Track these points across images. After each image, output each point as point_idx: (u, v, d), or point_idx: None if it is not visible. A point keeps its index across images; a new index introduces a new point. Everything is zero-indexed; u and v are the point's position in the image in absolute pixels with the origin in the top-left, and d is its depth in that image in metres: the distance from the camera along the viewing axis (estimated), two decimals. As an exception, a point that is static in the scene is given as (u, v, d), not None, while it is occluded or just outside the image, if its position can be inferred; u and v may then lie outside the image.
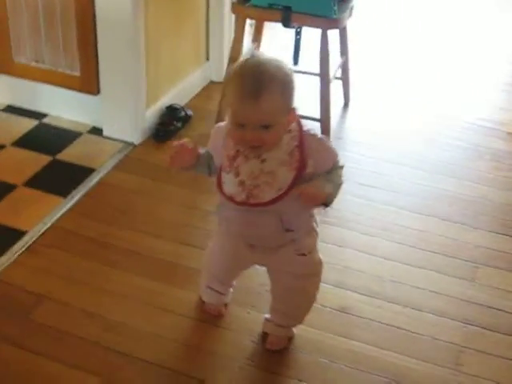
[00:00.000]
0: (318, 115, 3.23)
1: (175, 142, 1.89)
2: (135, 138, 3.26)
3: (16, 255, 2.59)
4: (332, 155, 1.90)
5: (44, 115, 3.44)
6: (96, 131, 3.34)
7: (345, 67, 3.59)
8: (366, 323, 2.42)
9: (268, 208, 1.83)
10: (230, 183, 1.83)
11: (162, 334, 2.32)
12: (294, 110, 1.77)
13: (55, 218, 2.79)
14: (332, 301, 2.50)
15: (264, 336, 2.26)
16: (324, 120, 3.25)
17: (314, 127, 3.26)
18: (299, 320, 2.22)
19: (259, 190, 1.80)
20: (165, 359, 2.23)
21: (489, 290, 2.59)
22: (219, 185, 1.86)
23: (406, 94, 3.96)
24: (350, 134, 3.58)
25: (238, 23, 3.24)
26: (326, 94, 3.21)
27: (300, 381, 2.20)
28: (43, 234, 2.72)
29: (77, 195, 2.91)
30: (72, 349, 2.26)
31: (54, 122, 3.40)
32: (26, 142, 3.25)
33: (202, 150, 1.93)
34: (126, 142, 3.27)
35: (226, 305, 2.34)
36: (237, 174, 1.81)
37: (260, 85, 1.65)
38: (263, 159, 1.78)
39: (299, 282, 2.09)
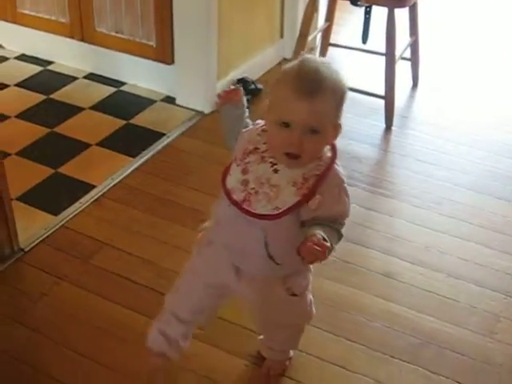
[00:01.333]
0: (382, 93, 3.32)
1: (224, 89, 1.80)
2: (205, 107, 3.42)
3: (84, 206, 2.79)
4: (343, 207, 1.67)
5: (122, 83, 3.65)
6: (169, 99, 3.53)
7: (414, 48, 3.65)
8: (407, 288, 2.51)
9: (255, 221, 1.64)
10: (234, 177, 1.68)
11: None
12: (340, 126, 1.63)
13: (123, 175, 2.98)
14: (378, 266, 2.59)
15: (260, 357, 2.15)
16: (388, 98, 3.34)
17: (379, 105, 3.41)
18: (293, 348, 2.11)
19: (256, 199, 1.63)
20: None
21: (534, 265, 2.62)
22: (224, 174, 1.71)
23: (477, 75, 3.98)
24: (415, 114, 3.65)
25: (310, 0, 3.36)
26: (390, 72, 3.30)
27: (337, 336, 2.29)
28: (111, 188, 2.91)
29: (145, 156, 3.10)
30: (127, 291, 2.43)
31: (130, 90, 3.61)
32: (103, 106, 3.46)
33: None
34: (196, 111, 3.44)
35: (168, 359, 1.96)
36: (244, 172, 1.66)
37: (319, 84, 1.54)
38: (276, 169, 1.62)
39: (287, 321, 1.95)
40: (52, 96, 3.53)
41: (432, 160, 3.22)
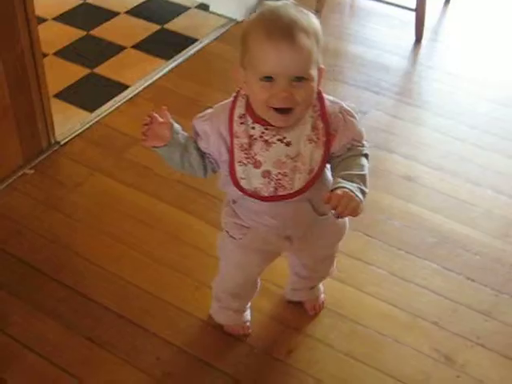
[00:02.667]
0: (413, 6, 3.35)
1: (146, 116, 1.59)
2: (238, 14, 3.48)
3: (118, 104, 2.91)
4: (354, 129, 1.55)
5: (157, -11, 3.70)
6: (203, 6, 3.59)
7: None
8: (426, 192, 2.60)
9: (299, 197, 1.56)
10: (251, 177, 1.53)
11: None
12: (323, 69, 1.48)
13: (157, 76, 3.07)
14: (399, 170, 2.68)
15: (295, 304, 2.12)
16: (419, 10, 3.36)
17: (410, 18, 3.43)
18: (328, 274, 2.04)
19: (288, 179, 1.52)
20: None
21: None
22: (236, 182, 1.54)
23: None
24: (445, 28, 3.66)
25: None
26: (422, -16, 3.31)
27: (355, 231, 2.37)
28: (144, 89, 3.01)
29: (178, 59, 3.18)
30: (155, 183, 2.56)
31: (165, -4, 3.66)
32: (139, 11, 3.54)
33: (176, 125, 1.64)
34: (229, 18, 3.49)
35: (248, 322, 2.03)
36: (258, 164, 1.51)
37: (292, 26, 1.37)
38: (288, 142, 1.49)
39: (333, 249, 1.90)
40: (88, 1, 3.60)
41: (459, 73, 3.25)
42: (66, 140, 2.70)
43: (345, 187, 1.43)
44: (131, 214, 2.41)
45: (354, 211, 1.42)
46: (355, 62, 3.26)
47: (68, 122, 2.76)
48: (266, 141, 1.49)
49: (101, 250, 2.28)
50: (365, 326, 2.11)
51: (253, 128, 1.50)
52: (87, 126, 2.77)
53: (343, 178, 1.47)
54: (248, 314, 2.01)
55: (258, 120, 1.50)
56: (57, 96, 2.88)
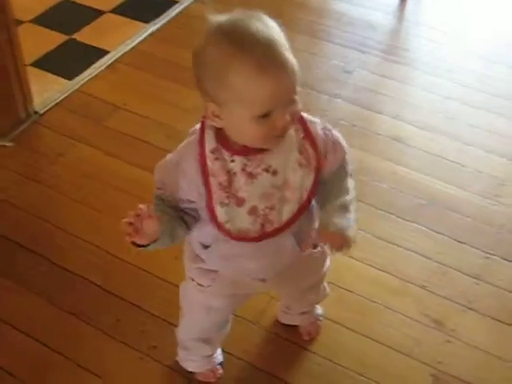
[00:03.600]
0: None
1: (129, 214, 1.29)
2: (220, -26, 3.37)
3: (98, 71, 2.84)
4: (341, 147, 1.43)
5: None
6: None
7: None
8: (414, 152, 2.55)
9: (285, 231, 1.40)
10: (235, 217, 1.35)
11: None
12: None
13: (137, 41, 3.00)
14: (387, 130, 2.64)
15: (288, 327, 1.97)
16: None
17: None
18: (320, 300, 1.89)
19: (276, 212, 1.35)
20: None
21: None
22: (220, 226, 1.36)
23: None
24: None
25: None
26: None
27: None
28: (124, 54, 2.95)
29: (158, 23, 3.11)
30: (139, 152, 2.51)
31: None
32: (118, -27, 3.42)
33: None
34: (210, -22, 3.40)
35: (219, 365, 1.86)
36: (241, 202, 1.33)
37: (277, 43, 1.20)
38: (274, 170, 1.32)
39: (318, 277, 1.73)
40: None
41: (446, 29, 3.19)
42: (45, 109, 2.64)
43: (338, 227, 1.35)
44: (114, 183, 2.37)
45: (347, 249, 1.36)
46: (340, 20, 3.18)
47: (47, 90, 2.70)
48: (249, 173, 1.31)
49: (84, 223, 2.24)
50: (353, 292, 2.08)
51: (232, 161, 1.31)
52: (66, 94, 2.71)
53: (334, 210, 1.37)
54: (219, 355, 1.84)
55: (236, 151, 1.31)
56: (34, 64, 2.82)
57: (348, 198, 1.40)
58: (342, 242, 1.34)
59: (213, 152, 1.31)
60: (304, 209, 1.37)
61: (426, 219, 2.29)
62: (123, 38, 2.97)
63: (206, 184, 1.32)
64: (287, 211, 1.35)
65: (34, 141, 2.53)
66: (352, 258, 2.15)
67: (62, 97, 2.69)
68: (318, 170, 1.36)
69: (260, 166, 1.31)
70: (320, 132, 1.37)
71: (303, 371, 1.88)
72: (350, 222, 1.36)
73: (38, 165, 2.43)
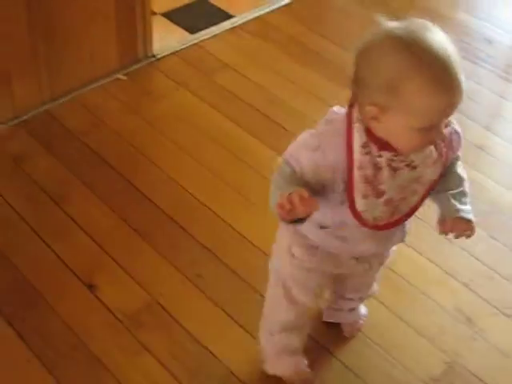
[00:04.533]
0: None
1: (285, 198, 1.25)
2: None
3: (219, 31, 3.05)
4: (460, 137, 1.45)
5: None
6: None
7: None
8: (494, 162, 2.58)
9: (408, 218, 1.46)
10: (373, 207, 1.39)
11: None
12: None
13: (264, 11, 3.17)
14: (474, 137, 2.67)
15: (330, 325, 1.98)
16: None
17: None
18: (370, 295, 1.91)
19: (406, 202, 1.41)
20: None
21: None
22: (357, 215, 1.39)
23: None
24: None
25: None
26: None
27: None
28: (249, 21, 3.12)
29: (290, -1, 3.25)
30: (236, 108, 2.69)
31: None
32: None
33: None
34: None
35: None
36: (380, 194, 1.36)
37: (457, 63, 1.22)
38: (415, 165, 1.35)
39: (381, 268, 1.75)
40: None
41: None
42: (163, 55, 2.85)
43: (464, 213, 1.44)
44: (204, 130, 2.56)
45: (472, 234, 1.46)
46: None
47: (168, 39, 2.92)
48: (393, 168, 1.33)
49: (168, 157, 2.44)
50: (396, 273, 2.15)
51: (379, 156, 1.32)
52: (185, 45, 2.92)
53: (457, 198, 1.46)
54: (304, 360, 1.81)
55: (384, 146, 1.32)
56: (164, 15, 3.04)
57: (466, 184, 1.48)
58: (467, 227, 1.43)
59: (363, 146, 1.31)
60: (425, 198, 1.43)
61: (489, 226, 2.31)
62: (250, 7, 3.13)
63: (350, 175, 1.33)
64: (413, 201, 1.41)
65: (145, 79, 2.75)
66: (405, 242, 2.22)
67: (181, 47, 2.91)
68: (445, 165, 1.40)
69: (404, 161, 1.33)
70: (448, 128, 1.38)
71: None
72: (470, 207, 1.46)
73: (142, 100, 2.66)
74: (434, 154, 1.36)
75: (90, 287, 2.02)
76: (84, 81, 2.61)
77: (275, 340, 1.74)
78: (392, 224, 1.43)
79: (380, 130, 1.29)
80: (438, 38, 1.22)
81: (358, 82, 1.29)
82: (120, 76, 2.71)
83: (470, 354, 1.97)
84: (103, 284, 2.03)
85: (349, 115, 1.33)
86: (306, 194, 1.24)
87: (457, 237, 1.46)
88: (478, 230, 2.08)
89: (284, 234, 1.58)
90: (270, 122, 2.61)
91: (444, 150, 1.38)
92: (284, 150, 2.38)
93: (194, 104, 2.65)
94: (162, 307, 1.99)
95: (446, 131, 1.35)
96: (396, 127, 1.26)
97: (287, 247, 1.56)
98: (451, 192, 1.46)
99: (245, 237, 2.19)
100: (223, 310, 2.00)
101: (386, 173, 1.33)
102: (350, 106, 1.35)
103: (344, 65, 2.82)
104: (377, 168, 1.33)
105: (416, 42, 1.21)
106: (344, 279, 1.73)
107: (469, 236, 1.45)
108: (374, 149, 1.32)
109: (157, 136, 2.51)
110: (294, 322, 1.69)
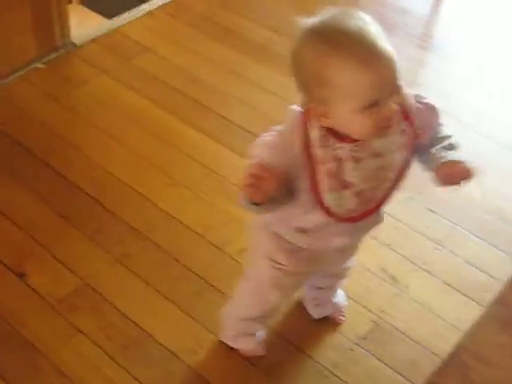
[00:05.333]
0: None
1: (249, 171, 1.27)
2: None
3: (137, 15, 3.06)
4: (436, 112, 1.44)
5: None
6: None
7: None
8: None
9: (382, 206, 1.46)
10: (343, 202, 1.38)
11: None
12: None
13: (178, -7, 3.19)
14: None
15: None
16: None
17: None
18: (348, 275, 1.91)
19: (377, 191, 1.40)
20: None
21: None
22: (327, 210, 1.39)
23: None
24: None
25: None
26: None
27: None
28: (165, 4, 3.15)
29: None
30: (157, 90, 2.72)
31: None
32: None
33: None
34: None
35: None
36: (349, 186, 1.36)
37: (368, 35, 1.21)
38: (379, 153, 1.34)
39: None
40: None
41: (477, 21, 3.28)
42: (81, 42, 2.86)
43: (458, 158, 1.40)
44: (128, 114, 2.58)
45: (471, 178, 1.40)
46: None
47: (86, 26, 2.94)
48: (356, 158, 1.33)
49: (92, 143, 2.46)
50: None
51: (340, 148, 1.32)
52: (103, 31, 2.93)
53: (446, 148, 1.43)
54: (263, 332, 1.89)
55: (343, 138, 1.32)
56: (81, 2, 3.06)
57: (454, 138, 1.44)
58: (464, 171, 1.38)
59: (321, 140, 1.31)
60: (399, 182, 1.40)
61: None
62: (166, -12, 3.16)
63: (312, 171, 1.33)
64: (386, 188, 1.39)
65: (65, 67, 2.76)
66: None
67: (99, 33, 2.91)
68: (413, 146, 1.37)
69: (367, 150, 1.32)
70: (413, 102, 1.37)
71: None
72: (460, 154, 1.41)
73: (62, 88, 2.67)
74: (399, 138, 1.35)
75: (20, 276, 2.04)
76: (2, 72, 2.60)
77: (238, 325, 1.82)
78: (367, 213, 1.43)
79: (334, 124, 1.29)
80: (352, 19, 1.22)
81: (299, 88, 1.30)
82: (39, 65, 2.71)
83: (394, 310, 2.06)
84: (33, 271, 2.05)
85: (306, 111, 1.33)
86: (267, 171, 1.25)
87: (456, 183, 1.40)
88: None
89: (262, 241, 1.58)
90: (191, 101, 2.65)
91: (409, 129, 1.35)
92: (204, 127, 2.48)
93: (115, 89, 2.67)
94: (93, 289, 2.01)
95: (411, 105, 1.35)
96: (343, 116, 1.25)
97: (266, 253, 1.58)
98: (439, 146, 1.44)
99: (171, 215, 2.23)
100: (153, 286, 2.04)
101: (349, 164, 1.33)
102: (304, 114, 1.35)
103: (259, 39, 2.94)
104: (339, 160, 1.32)
105: (327, 27, 1.22)
106: (324, 271, 1.78)
107: (468, 178, 1.39)
108: (333, 142, 1.31)
109: (79, 122, 2.53)
110: (260, 315, 1.77)
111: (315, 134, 1.30)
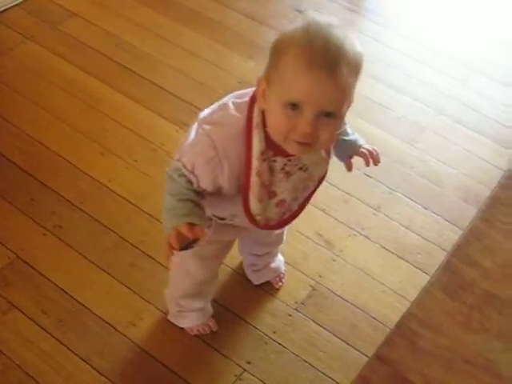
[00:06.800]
0: None
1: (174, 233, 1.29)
2: None
3: (63, -21, 2.95)
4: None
5: None
6: None
7: None
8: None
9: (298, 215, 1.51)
10: (267, 210, 1.41)
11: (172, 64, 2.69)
12: (352, 101, 1.26)
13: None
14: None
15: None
16: None
17: None
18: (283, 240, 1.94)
19: (297, 202, 1.46)
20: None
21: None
22: (252, 218, 1.41)
23: None
24: None
25: None
26: None
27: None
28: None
29: None
30: (86, 56, 2.65)
31: None
32: None
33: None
34: None
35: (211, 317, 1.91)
36: (272, 195, 1.38)
37: (341, 54, 1.17)
38: (306, 168, 1.38)
39: None
40: None
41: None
42: (5, 7, 2.76)
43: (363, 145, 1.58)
44: (56, 82, 2.51)
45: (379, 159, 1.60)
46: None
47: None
48: (287, 172, 1.35)
49: (20, 112, 2.39)
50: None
51: (274, 161, 1.33)
52: (28, -4, 2.82)
53: (351, 138, 1.57)
54: (210, 308, 1.89)
55: (278, 151, 1.31)
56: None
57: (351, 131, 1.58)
58: (374, 153, 1.57)
59: (262, 153, 1.30)
60: (314, 193, 1.46)
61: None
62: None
63: (247, 180, 1.33)
64: (303, 197, 1.45)
65: (-13, 34, 2.66)
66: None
67: (23, -2, 2.81)
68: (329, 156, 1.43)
69: (297, 165, 1.35)
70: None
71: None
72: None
73: (-14, 56, 2.56)
74: (323, 154, 1.39)
75: (-51, 252, 1.97)
76: None
77: (178, 302, 1.81)
78: (282, 223, 1.46)
79: (266, 109, 1.28)
80: (338, 32, 1.20)
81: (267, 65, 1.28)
82: (-39, 32, 2.61)
83: (331, 274, 2.07)
84: (-38, 246, 1.98)
85: (249, 120, 1.30)
86: (195, 220, 1.28)
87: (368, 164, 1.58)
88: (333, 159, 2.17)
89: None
90: (120, 67, 2.60)
91: (331, 148, 1.42)
92: (136, 95, 2.43)
93: (42, 55, 2.60)
94: (25, 262, 1.97)
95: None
96: (271, 103, 1.24)
97: None
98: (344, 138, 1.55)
99: (103, 184, 2.19)
100: (86, 257, 2.01)
101: (280, 176, 1.35)
102: (250, 110, 1.31)
103: (189, 4, 2.88)
104: (272, 171, 1.33)
105: (313, 25, 1.21)
106: (251, 239, 1.82)
107: (378, 162, 1.60)
108: (270, 154, 1.31)
109: (6, 91, 2.45)
110: (194, 291, 1.76)
111: (257, 145, 1.29)
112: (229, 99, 1.37)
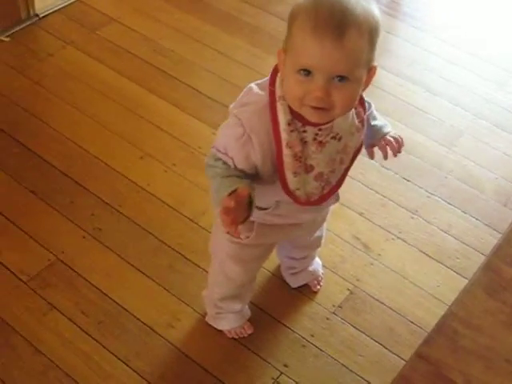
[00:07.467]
0: None
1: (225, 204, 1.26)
2: None
3: (101, -15, 2.98)
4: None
5: None
6: None
7: None
8: (384, 96, 2.67)
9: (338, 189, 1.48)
10: (305, 184, 1.39)
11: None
12: (375, 68, 1.28)
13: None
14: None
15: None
16: None
17: None
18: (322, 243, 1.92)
19: (335, 175, 1.42)
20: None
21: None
22: (290, 193, 1.39)
23: None
24: None
25: None
26: None
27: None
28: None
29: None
30: (124, 61, 2.67)
31: None
32: None
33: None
34: None
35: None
36: (310, 169, 1.37)
37: (347, 17, 1.17)
38: (340, 137, 1.35)
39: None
40: None
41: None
42: (45, 14, 2.80)
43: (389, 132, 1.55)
44: (95, 86, 2.54)
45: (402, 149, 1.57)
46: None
47: (50, -4, 2.86)
48: (319, 142, 1.33)
49: (59, 116, 2.41)
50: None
51: (304, 132, 1.32)
52: (68, 2, 2.86)
53: (379, 124, 1.55)
54: (247, 310, 1.89)
55: (307, 121, 1.30)
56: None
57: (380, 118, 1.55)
58: (399, 144, 1.54)
59: (289, 124, 1.30)
60: (351, 166, 1.44)
61: (378, 156, 2.39)
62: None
63: (279, 154, 1.32)
64: (341, 171, 1.42)
65: (29, 39, 2.70)
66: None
67: (64, 4, 2.85)
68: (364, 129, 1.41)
69: (329, 134, 1.33)
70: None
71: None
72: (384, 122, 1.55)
73: (28, 61, 2.61)
74: (354, 122, 1.37)
75: (-8, 236, 1.99)
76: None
77: (217, 304, 1.81)
78: (323, 198, 1.44)
79: (284, 80, 1.28)
80: (355, 2, 1.20)
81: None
82: (3, 38, 2.65)
83: (369, 278, 2.07)
84: (4, 248, 2.01)
85: (271, 94, 1.32)
86: (244, 191, 1.26)
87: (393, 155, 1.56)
88: (368, 160, 2.14)
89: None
90: (158, 71, 2.62)
91: (363, 114, 1.39)
92: (174, 98, 2.45)
93: (81, 60, 2.63)
94: (66, 264, 1.99)
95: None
96: (287, 70, 1.24)
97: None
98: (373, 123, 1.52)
99: (142, 187, 2.20)
100: (125, 260, 2.02)
101: (313, 147, 1.33)
102: (272, 84, 1.33)
103: (225, 9, 2.90)
104: (304, 143, 1.32)
105: None
106: (289, 242, 1.82)
107: (400, 151, 1.56)
108: (299, 125, 1.31)
109: (46, 95, 2.48)
110: (232, 293, 1.77)
111: (283, 117, 1.30)
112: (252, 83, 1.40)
